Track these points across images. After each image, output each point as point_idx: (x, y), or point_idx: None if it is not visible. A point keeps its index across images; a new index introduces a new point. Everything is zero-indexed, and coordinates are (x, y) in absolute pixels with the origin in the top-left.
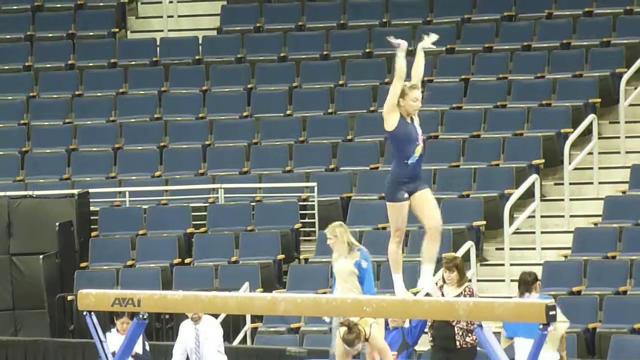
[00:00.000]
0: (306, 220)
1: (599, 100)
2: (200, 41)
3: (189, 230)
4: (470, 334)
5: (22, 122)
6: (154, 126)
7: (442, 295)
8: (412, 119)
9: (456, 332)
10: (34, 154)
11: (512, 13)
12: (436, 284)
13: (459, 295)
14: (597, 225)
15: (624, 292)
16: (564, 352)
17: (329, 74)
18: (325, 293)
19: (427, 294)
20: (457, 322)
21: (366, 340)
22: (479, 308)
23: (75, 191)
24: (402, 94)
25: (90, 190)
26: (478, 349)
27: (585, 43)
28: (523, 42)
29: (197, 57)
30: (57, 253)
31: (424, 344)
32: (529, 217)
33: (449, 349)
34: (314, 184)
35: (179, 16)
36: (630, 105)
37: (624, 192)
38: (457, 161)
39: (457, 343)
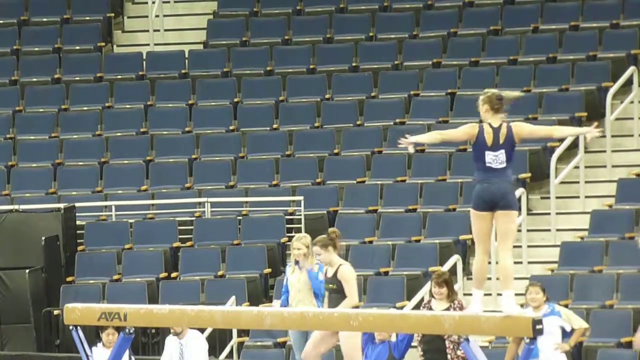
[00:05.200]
0: (293, 234)
1: (585, 114)
2: (186, 55)
3: (175, 244)
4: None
5: (8, 136)
6: (140, 140)
7: (431, 309)
8: None
9: (447, 345)
10: (20, 168)
11: (498, 27)
12: (422, 298)
13: (448, 309)
14: (583, 239)
15: (611, 306)
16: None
17: (316, 88)
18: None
19: None
20: (448, 335)
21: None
22: (465, 322)
23: (61, 205)
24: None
25: (77, 205)
26: None
27: (571, 57)
28: (509, 56)
29: (183, 71)
30: (43, 267)
31: (410, 358)
32: None
33: None
34: (301, 197)
35: (165, 30)
36: (617, 119)
37: (610, 206)
38: (444, 175)
39: (449, 356)
